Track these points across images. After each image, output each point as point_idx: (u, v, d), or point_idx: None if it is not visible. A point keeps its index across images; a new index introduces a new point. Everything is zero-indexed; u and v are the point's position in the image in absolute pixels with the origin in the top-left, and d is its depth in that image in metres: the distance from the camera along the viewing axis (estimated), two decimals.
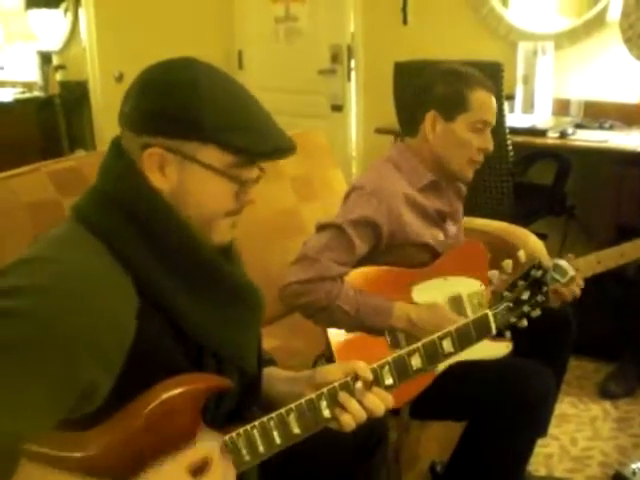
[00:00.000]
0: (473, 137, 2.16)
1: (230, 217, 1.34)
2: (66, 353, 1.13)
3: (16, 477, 1.11)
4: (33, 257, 1.21)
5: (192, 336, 1.29)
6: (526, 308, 1.59)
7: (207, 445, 1.27)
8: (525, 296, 1.59)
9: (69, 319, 1.13)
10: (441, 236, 2.26)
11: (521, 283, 1.60)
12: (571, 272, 1.85)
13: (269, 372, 1.55)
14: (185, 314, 1.28)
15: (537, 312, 1.61)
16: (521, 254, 1.91)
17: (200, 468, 1.24)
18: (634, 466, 2.66)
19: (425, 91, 2.21)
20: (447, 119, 2.16)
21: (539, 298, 1.60)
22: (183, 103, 1.24)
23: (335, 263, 2.04)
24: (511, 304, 1.58)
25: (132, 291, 1.23)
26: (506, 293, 1.59)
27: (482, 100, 2.16)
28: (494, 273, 1.70)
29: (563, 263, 1.87)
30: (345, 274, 2.08)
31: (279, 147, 1.30)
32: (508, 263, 1.64)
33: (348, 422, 1.34)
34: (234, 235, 1.39)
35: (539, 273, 1.61)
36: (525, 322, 1.60)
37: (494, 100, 2.20)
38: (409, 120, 2.26)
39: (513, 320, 1.58)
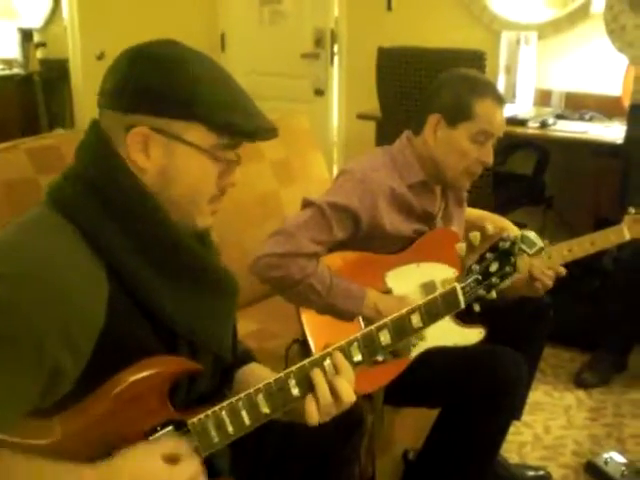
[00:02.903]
0: (473, 148, 2.12)
1: (212, 204, 1.33)
2: (31, 342, 1.10)
3: None
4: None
5: (165, 323, 1.27)
6: (495, 280, 1.59)
7: (180, 440, 1.25)
8: (494, 268, 1.60)
9: (34, 307, 1.10)
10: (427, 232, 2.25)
11: (489, 255, 1.60)
12: (539, 244, 1.84)
13: (251, 371, 1.53)
14: (158, 301, 1.25)
15: (506, 283, 1.61)
16: (489, 227, 1.91)
17: (171, 459, 1.21)
18: (606, 455, 2.69)
19: (435, 92, 2.19)
20: (449, 125, 2.13)
21: (507, 269, 1.60)
22: (173, 80, 1.22)
23: (311, 241, 2.04)
24: (479, 276, 1.58)
25: (103, 277, 1.20)
26: (474, 266, 1.59)
27: (488, 111, 2.11)
28: (461, 246, 1.69)
29: (531, 235, 1.86)
30: (320, 253, 2.07)
31: (263, 127, 1.29)
32: (476, 235, 1.63)
33: (310, 404, 1.32)
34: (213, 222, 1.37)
35: (507, 244, 1.62)
36: (494, 294, 1.60)
37: (502, 113, 2.15)
38: (418, 117, 2.22)
39: (482, 293, 1.58)
